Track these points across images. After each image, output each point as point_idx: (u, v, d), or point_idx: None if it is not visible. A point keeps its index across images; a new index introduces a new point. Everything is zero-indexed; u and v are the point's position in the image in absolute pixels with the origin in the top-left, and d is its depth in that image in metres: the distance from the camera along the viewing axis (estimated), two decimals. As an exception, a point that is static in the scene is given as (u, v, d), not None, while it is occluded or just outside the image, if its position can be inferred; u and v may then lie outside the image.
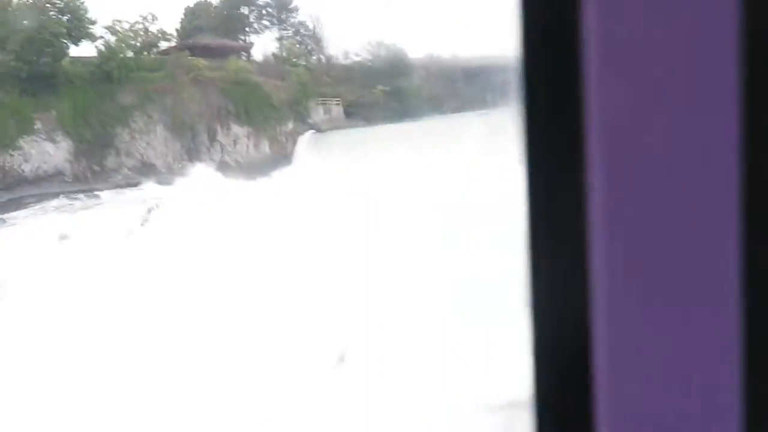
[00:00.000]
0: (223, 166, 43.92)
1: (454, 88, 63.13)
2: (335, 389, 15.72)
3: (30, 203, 34.34)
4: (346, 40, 61.55)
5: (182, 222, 29.77)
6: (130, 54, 45.02)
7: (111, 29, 45.68)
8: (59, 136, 39.48)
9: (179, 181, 39.31)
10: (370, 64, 57.07)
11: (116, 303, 24.50)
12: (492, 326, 16.00)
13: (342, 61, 58.64)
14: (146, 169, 42.30)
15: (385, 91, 53.45)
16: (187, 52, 46.77)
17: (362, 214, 25.37)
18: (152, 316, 22.41)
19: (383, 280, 18.10)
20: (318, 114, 49.59)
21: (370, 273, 18.54)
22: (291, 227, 25.97)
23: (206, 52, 48.97)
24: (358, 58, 59.02)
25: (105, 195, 35.81)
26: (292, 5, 61.86)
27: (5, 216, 32.33)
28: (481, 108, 57.95)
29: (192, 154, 43.82)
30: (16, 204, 34.42)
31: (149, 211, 31.48)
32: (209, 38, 52.09)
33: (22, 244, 28.42)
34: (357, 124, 51.21)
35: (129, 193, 36.51)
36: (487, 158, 34.25)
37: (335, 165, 41.84)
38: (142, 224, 30.28)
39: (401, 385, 14.54)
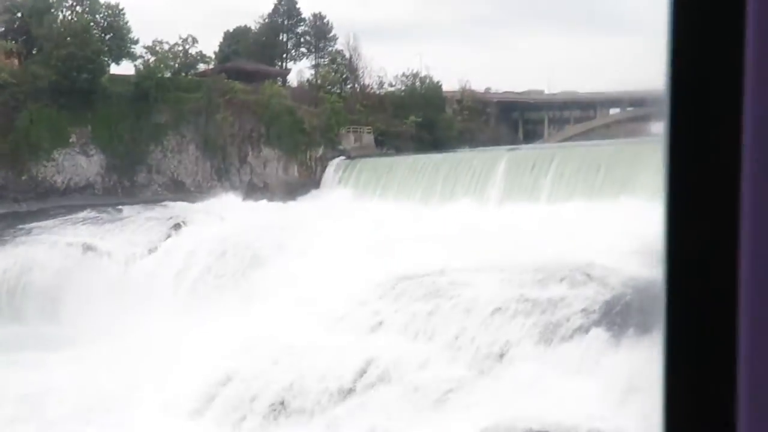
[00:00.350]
0: (251, 188, 44.29)
1: (486, 123, 63.29)
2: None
3: (59, 214, 34.88)
4: (382, 71, 61.72)
5: (205, 238, 30.12)
6: (167, 74, 45.81)
7: (151, 49, 46.58)
8: (93, 150, 40.12)
9: (207, 200, 39.79)
10: (403, 95, 57.38)
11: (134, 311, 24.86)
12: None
13: (376, 90, 59.08)
14: (176, 187, 42.75)
15: (417, 122, 53.55)
16: (223, 75, 47.49)
17: (370, 241, 25.51)
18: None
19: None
20: (349, 141, 49.84)
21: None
22: (306, 247, 26.20)
23: (242, 75, 49.72)
24: (392, 89, 59.42)
25: (133, 210, 36.22)
26: (330, 34, 62.75)
27: (33, 225, 32.90)
28: (512, 143, 58.07)
29: (221, 174, 44.24)
30: (45, 214, 35.00)
31: (174, 227, 31.88)
32: (246, 63, 52.92)
33: (46, 253, 28.90)
34: (387, 152, 51.36)
35: (157, 209, 36.90)
36: (508, 198, 34.45)
37: (360, 191, 42.02)
38: (165, 239, 30.67)
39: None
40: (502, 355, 14.90)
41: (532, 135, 68.99)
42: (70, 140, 39.52)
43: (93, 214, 34.94)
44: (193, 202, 39.59)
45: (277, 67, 58.35)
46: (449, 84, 62.85)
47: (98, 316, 25.45)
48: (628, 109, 68.54)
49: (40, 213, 35.18)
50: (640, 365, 12.58)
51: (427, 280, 19.12)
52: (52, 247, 29.59)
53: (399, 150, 52.09)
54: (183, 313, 23.67)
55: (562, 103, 70.33)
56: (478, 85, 67.70)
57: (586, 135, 71.76)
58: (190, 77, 47.28)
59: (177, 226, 31.74)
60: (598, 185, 32.48)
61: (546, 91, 77.62)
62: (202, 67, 50.15)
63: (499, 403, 13.13)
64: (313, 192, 45.67)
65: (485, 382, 14.31)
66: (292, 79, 59.37)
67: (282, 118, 47.09)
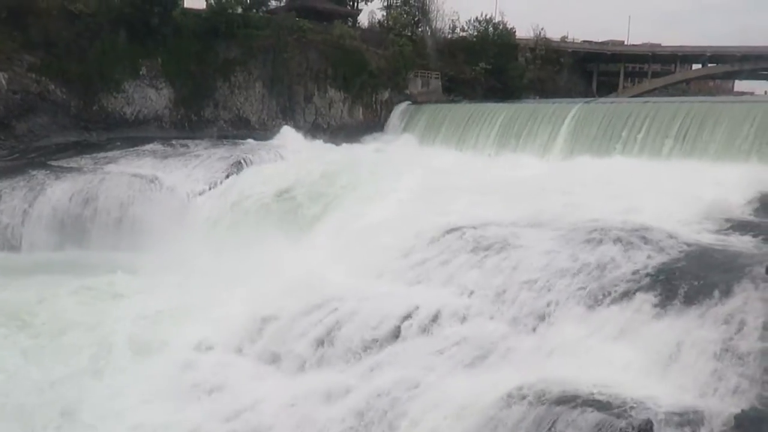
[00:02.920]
0: (315, 128, 44.46)
1: (558, 73, 61.50)
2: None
3: (126, 145, 35.67)
4: (455, 15, 60.51)
5: (265, 178, 30.42)
6: (239, 10, 45.87)
7: (224, -16, 46.56)
8: (162, 84, 40.66)
9: (270, 138, 40.10)
10: (475, 40, 56.19)
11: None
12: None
13: (448, 35, 58.03)
14: (241, 124, 43.22)
15: (487, 69, 52.55)
16: (294, 13, 47.35)
17: (426, 190, 25.26)
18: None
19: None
20: (416, 86, 49.33)
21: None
22: (361, 192, 26.18)
23: (312, 14, 49.45)
24: (464, 34, 58.28)
25: (198, 145, 36.77)
26: (405, -25, 61.47)
27: (100, 154, 33.74)
28: (584, 95, 56.35)
29: (286, 113, 44.42)
30: (113, 144, 35.84)
31: (236, 164, 32.21)
32: (317, 1, 52.52)
33: (111, 183, 29.63)
34: (455, 99, 50.63)
35: (221, 145, 37.39)
36: (572, 153, 33.56)
37: (423, 138, 41.64)
38: (227, 176, 31.06)
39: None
40: (544, 315, 14.65)
41: (606, 88, 66.85)
42: (141, 72, 40.11)
43: (159, 147, 35.67)
44: (257, 139, 40.00)
45: (348, 7, 57.67)
46: (523, 31, 61.23)
47: (158, 247, 26.19)
48: (709, 65, 65.58)
49: (108, 143, 36.08)
50: (683, 336, 12.20)
51: (477, 233, 18.85)
52: (118, 177, 30.32)
53: (467, 97, 51.41)
54: (236, 248, 24.06)
55: (640, 56, 67.69)
56: (554, 34, 65.86)
57: (664, 91, 69.21)
58: (260, 14, 47.21)
59: (238, 164, 32.07)
60: (669, 145, 31.41)
61: (626, 43, 74.92)
62: (273, 4, 50.08)
63: (535, 363, 12.96)
64: (377, 135, 45.59)
65: (524, 341, 14.12)
66: (363, 20, 58.76)
67: (349, 60, 46.80)
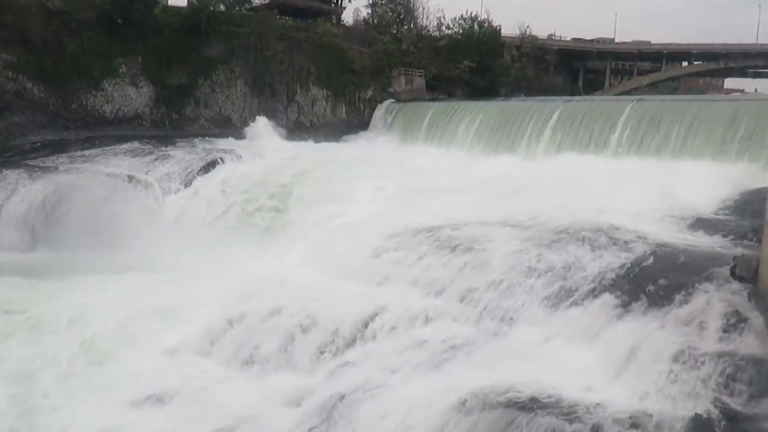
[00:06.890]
0: (298, 126, 44.24)
1: (544, 71, 61.37)
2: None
3: (105, 144, 35.36)
4: (440, 12, 60.14)
5: (241, 176, 30.21)
6: (221, 8, 45.56)
7: (205, -18, 46.17)
8: (142, 82, 40.25)
9: (251, 137, 39.80)
10: (460, 38, 55.97)
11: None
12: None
13: (432, 33, 57.83)
14: (222, 122, 42.84)
15: (471, 68, 52.32)
16: (276, 11, 47.08)
17: (402, 189, 25.08)
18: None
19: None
20: (399, 84, 49.10)
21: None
22: (337, 192, 26.00)
23: (295, 12, 49.20)
24: (449, 32, 58.05)
25: (178, 143, 36.50)
26: (390, -29, 61.10)
27: (77, 153, 33.42)
28: (570, 93, 56.24)
29: (268, 112, 44.06)
30: (91, 143, 35.51)
31: (212, 163, 31.97)
32: (300, -1, 52.26)
33: (86, 182, 29.33)
34: (438, 97, 50.41)
35: (201, 143, 37.14)
36: (552, 153, 33.39)
37: (405, 136, 41.45)
38: (202, 175, 30.82)
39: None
40: (508, 316, 14.50)
41: (592, 85, 66.82)
42: (120, 70, 39.72)
43: (137, 145, 35.39)
44: (239, 138, 39.75)
45: (332, 5, 57.35)
46: (510, 29, 61.10)
47: (131, 247, 25.95)
48: (696, 63, 65.60)
49: (87, 142, 35.74)
50: (642, 338, 12.04)
51: (447, 233, 18.68)
52: (93, 176, 30.02)
53: (451, 95, 51.27)
54: (208, 247, 23.89)
55: (626, 53, 67.64)
56: (542, 32, 65.82)
57: (653, 88, 69.20)
58: (242, 12, 46.90)
59: (214, 163, 31.81)
60: (655, 144, 31.31)
61: (617, 41, 74.91)
62: (256, 1, 49.74)
63: (496, 366, 12.80)
64: (360, 134, 45.44)
65: (486, 343, 13.96)
66: (348, 18, 58.50)
67: (332, 58, 46.59)
